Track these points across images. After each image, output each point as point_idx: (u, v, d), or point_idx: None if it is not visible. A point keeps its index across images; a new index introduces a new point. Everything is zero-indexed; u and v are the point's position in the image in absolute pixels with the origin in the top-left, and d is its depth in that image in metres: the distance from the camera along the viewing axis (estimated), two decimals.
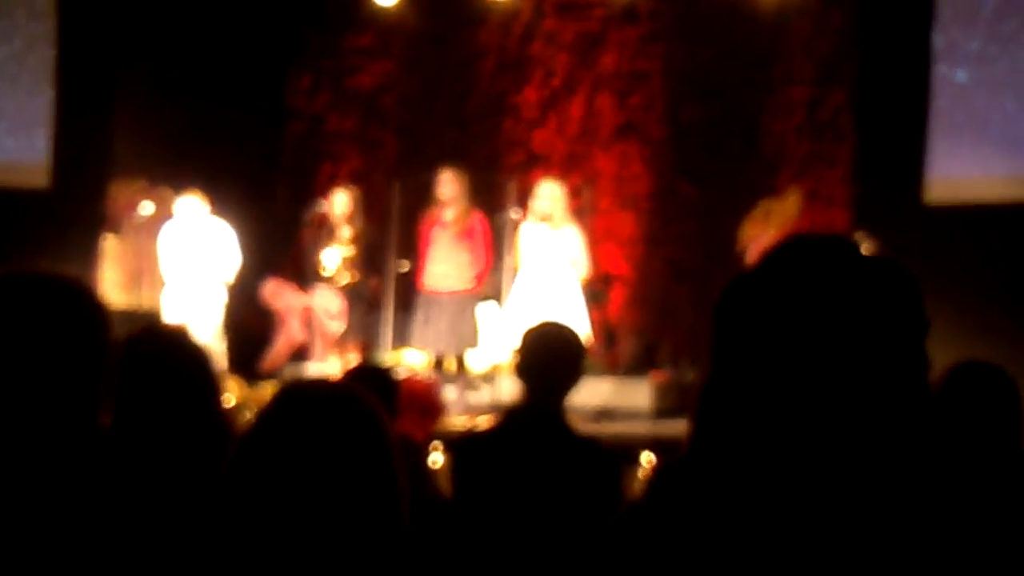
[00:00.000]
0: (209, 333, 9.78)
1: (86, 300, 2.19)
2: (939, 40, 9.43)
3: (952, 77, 9.39)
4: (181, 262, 10.08)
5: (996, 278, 9.08)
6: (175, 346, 3.24)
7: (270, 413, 1.87)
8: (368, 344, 10.11)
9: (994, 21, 9.39)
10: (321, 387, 2.02)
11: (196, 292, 10.04)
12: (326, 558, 1.78)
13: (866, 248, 1.59)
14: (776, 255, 1.55)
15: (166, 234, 10.17)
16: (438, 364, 9.62)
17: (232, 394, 8.75)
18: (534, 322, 4.52)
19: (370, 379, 4.52)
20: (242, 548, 1.79)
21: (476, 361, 9.58)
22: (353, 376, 4.70)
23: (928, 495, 1.52)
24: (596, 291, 9.91)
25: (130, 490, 2.22)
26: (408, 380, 7.90)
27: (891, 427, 1.48)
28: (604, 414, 8.98)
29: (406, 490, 1.86)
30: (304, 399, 1.90)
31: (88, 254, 10.37)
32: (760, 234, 9.20)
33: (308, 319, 10.10)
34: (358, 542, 1.80)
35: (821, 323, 1.49)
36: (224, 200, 10.22)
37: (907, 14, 9.51)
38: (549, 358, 4.22)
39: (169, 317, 9.80)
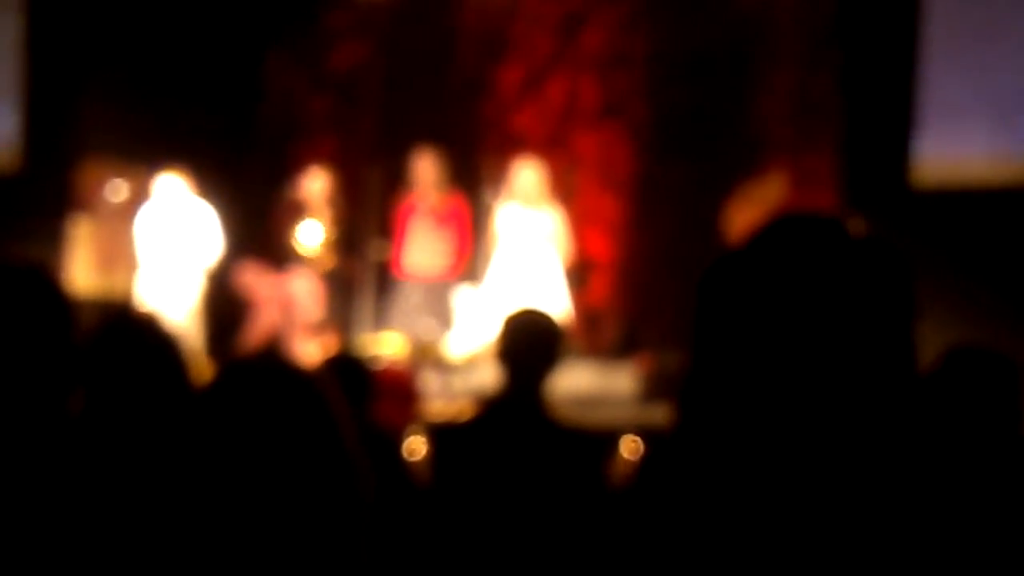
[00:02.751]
0: (184, 318, 9.66)
1: (49, 287, 2.21)
2: (928, 18, 9.35)
3: (942, 55, 9.31)
4: (159, 245, 9.94)
5: (986, 261, 9.04)
6: (145, 333, 3.22)
7: (208, 391, 1.83)
8: (346, 329, 10.02)
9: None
10: (262, 363, 1.94)
11: (172, 278, 9.90)
12: (269, 536, 1.73)
13: (856, 228, 1.50)
14: (762, 234, 1.50)
15: (143, 216, 10.03)
16: (417, 350, 9.54)
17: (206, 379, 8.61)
18: (514, 306, 4.58)
19: (346, 368, 4.54)
20: (188, 528, 1.75)
21: (456, 346, 9.51)
22: (330, 365, 4.70)
23: (917, 478, 1.49)
24: (578, 274, 9.88)
25: (98, 476, 2.25)
26: (385, 369, 7.81)
27: (878, 412, 1.44)
28: (587, 399, 8.92)
29: (360, 469, 1.80)
30: (242, 375, 1.84)
31: (58, 237, 10.24)
32: (742, 218, 9.17)
33: (284, 304, 9.98)
34: (304, 520, 1.74)
35: (807, 304, 1.44)
36: (198, 181, 10.09)
37: None
38: (528, 345, 4.25)
39: (143, 302, 9.68)
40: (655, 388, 9.12)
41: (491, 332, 7.24)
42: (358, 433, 1.83)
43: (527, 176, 9.54)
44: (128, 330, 3.22)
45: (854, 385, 1.44)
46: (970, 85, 9.28)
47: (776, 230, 1.51)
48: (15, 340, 2.11)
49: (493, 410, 4.33)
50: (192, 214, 9.99)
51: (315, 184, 10.06)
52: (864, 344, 1.45)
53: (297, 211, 10.01)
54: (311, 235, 9.92)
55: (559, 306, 9.26)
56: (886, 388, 1.46)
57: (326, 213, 9.99)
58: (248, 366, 1.89)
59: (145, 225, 10.01)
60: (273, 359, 1.97)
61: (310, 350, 9.41)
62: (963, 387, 3.43)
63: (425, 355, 9.47)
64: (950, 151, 9.34)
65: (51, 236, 10.15)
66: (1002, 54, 9.26)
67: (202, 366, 8.96)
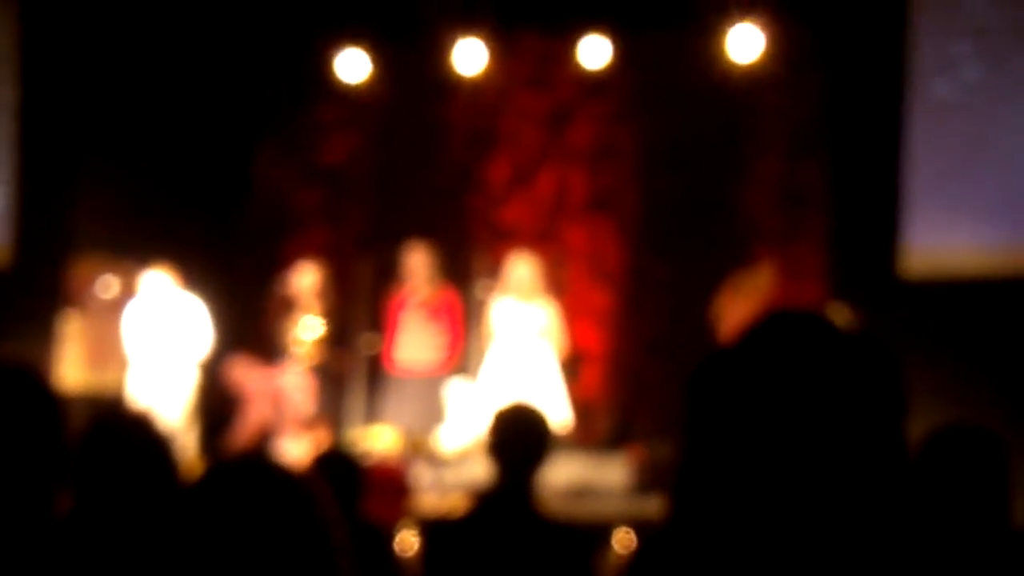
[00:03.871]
0: (178, 417, 9.61)
1: (38, 387, 2.22)
2: (914, 109, 9.40)
3: (928, 146, 9.35)
4: (148, 341, 9.92)
5: (973, 351, 9.03)
6: (135, 433, 3.20)
7: (194, 492, 1.81)
8: (337, 423, 9.97)
9: (972, 84, 9.35)
10: (248, 464, 1.92)
11: (164, 373, 9.87)
12: None
13: (844, 322, 1.50)
14: (752, 332, 1.50)
15: (130, 312, 10.02)
16: (409, 444, 9.48)
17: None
18: (508, 400, 4.56)
19: (337, 465, 4.52)
20: None
21: (448, 441, 9.46)
22: (320, 462, 4.66)
23: (909, 570, 1.49)
24: (569, 366, 9.85)
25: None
26: (376, 463, 7.76)
27: (869, 509, 1.45)
28: (579, 491, 8.88)
29: (346, 572, 1.79)
30: (228, 476, 1.82)
31: (49, 333, 10.20)
32: (732, 309, 9.15)
33: (275, 398, 9.93)
34: None
35: (797, 402, 1.44)
36: (188, 275, 10.09)
37: (878, 83, 9.50)
38: (517, 440, 4.24)
39: (134, 401, 9.63)
40: (647, 479, 9.08)
41: (483, 426, 7.22)
42: (348, 531, 1.82)
43: (522, 270, 9.52)
44: (117, 430, 3.19)
45: (845, 482, 1.45)
46: (956, 176, 9.32)
47: (766, 328, 1.51)
48: (3, 440, 2.10)
49: (483, 506, 4.30)
50: (180, 309, 9.98)
51: (305, 279, 10.04)
52: (855, 442, 1.45)
53: (287, 307, 10.00)
54: (304, 333, 9.89)
55: (555, 401, 9.23)
56: (877, 486, 1.46)
57: (316, 307, 9.97)
58: (235, 467, 1.87)
59: (132, 322, 9.99)
60: (260, 459, 1.95)
61: (301, 445, 9.36)
62: (950, 465, 3.38)
63: (417, 449, 9.42)
64: (937, 241, 9.37)
65: (42, 332, 10.12)
66: (988, 144, 9.31)
67: (194, 464, 8.93)
